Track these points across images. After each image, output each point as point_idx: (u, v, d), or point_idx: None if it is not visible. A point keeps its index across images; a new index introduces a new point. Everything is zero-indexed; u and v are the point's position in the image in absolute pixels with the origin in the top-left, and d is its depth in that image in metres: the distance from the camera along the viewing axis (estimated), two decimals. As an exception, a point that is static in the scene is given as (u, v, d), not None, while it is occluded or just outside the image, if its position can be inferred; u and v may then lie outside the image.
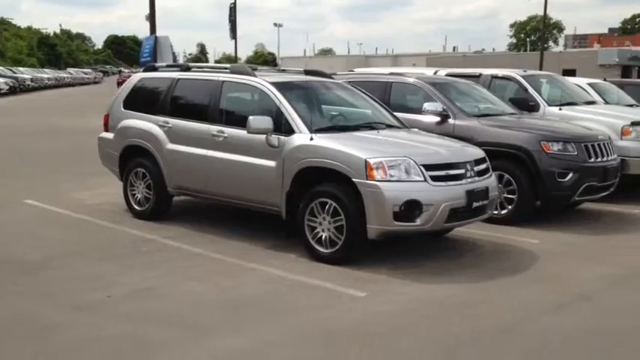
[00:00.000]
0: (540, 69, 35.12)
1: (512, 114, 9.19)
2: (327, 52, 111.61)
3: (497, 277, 5.95)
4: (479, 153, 6.72)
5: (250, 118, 6.59)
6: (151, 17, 20.37)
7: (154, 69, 8.48)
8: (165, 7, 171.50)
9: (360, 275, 5.90)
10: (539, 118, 9.51)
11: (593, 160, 8.03)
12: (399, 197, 5.84)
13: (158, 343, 4.41)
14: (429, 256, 6.56)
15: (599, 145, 8.22)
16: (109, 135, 8.49)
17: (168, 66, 8.47)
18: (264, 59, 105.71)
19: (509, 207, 7.93)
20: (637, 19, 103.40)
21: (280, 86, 6.99)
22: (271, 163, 6.61)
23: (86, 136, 13.18)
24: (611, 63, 48.54)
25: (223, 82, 7.36)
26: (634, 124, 9.66)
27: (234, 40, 48.50)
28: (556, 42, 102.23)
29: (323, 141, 6.37)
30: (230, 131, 7.05)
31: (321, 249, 6.28)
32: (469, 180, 6.27)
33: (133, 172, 8.07)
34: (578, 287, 5.73)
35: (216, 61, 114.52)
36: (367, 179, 5.91)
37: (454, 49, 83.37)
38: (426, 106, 8.56)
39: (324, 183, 6.29)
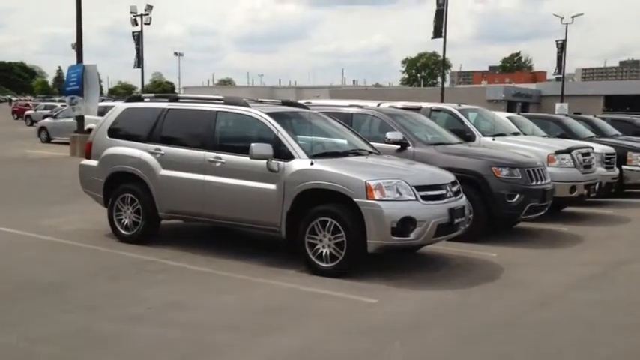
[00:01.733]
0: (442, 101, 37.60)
1: (459, 143, 10.31)
2: (226, 83, 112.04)
3: (479, 284, 6.86)
4: (451, 176, 7.69)
5: (253, 145, 7.22)
6: (78, 46, 20.31)
7: (140, 99, 8.91)
8: (56, 34, 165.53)
9: (362, 285, 6.63)
10: (483, 147, 10.70)
11: (534, 183, 9.24)
12: (396, 214, 6.67)
13: (218, 346, 4.94)
14: (412, 269, 7.37)
15: (537, 170, 9.46)
16: (93, 162, 8.80)
17: (156, 96, 8.91)
18: (162, 88, 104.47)
19: (466, 225, 8.96)
20: (515, 58, 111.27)
21: (275, 116, 7.68)
22: (271, 187, 7.26)
23: (15, 164, 13.17)
24: (498, 98, 52.43)
25: (217, 112, 7.94)
26: (558, 152, 11.05)
27: (138, 68, 47.99)
28: (443, 78, 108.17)
29: (323, 166, 7.11)
30: (227, 157, 7.63)
31: (321, 263, 6.97)
32: (450, 199, 7.21)
33: (120, 198, 8.43)
34: (548, 289, 6.74)
35: (111, 90, 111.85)
36: (367, 199, 6.71)
37: (354, 83, 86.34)
38: (389, 135, 9.50)
39: (323, 204, 7.02)
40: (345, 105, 10.61)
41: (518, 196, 8.97)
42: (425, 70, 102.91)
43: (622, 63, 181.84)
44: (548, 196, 9.51)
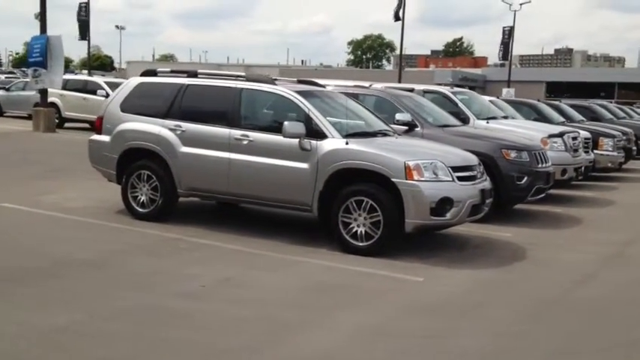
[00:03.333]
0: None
1: (461, 125, 10.50)
2: (168, 58, 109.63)
3: (511, 263, 7.04)
4: (476, 157, 7.84)
5: (286, 123, 7.17)
6: (42, 16, 19.48)
7: (154, 73, 8.67)
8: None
9: (399, 264, 6.71)
10: (485, 129, 10.91)
11: (540, 165, 9.53)
12: (435, 195, 6.77)
13: (295, 323, 4.92)
14: (437, 249, 7.45)
15: (541, 153, 9.75)
16: (104, 137, 8.55)
17: (172, 71, 8.68)
18: (101, 62, 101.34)
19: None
20: (457, 43, 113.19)
21: (304, 95, 7.64)
22: (304, 165, 7.23)
23: None
24: (446, 82, 53.37)
25: (242, 89, 7.83)
26: (551, 136, 11.40)
27: (80, 41, 46.32)
28: (389, 60, 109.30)
29: (358, 146, 7.13)
30: (255, 135, 7.55)
31: (356, 242, 7.00)
32: (479, 180, 7.37)
33: (136, 175, 8.23)
34: (579, 268, 6.97)
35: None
36: (406, 179, 6.78)
37: (303, 63, 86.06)
38: (398, 116, 9.58)
39: (356, 183, 7.05)
40: (350, 85, 10.63)
41: (526, 178, 9.22)
42: (370, 52, 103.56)
43: (557, 51, 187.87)
44: (551, 179, 9.83)
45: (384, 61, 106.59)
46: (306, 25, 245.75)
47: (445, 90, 12.18)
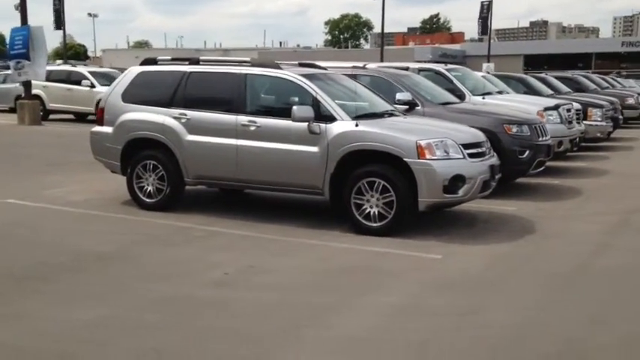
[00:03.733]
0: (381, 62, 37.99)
1: (459, 102, 10.55)
2: (143, 45, 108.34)
3: (522, 237, 7.11)
4: (483, 134, 7.90)
5: (295, 107, 7.16)
6: (22, 6, 19.13)
7: (154, 62, 8.59)
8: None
9: (414, 243, 6.76)
10: (484, 105, 10.97)
11: (540, 139, 9.63)
12: (447, 172, 6.82)
13: (325, 307, 4.94)
14: (446, 226, 7.50)
15: (541, 126, 9.84)
16: (107, 129, 8.48)
17: (173, 59, 8.60)
18: (75, 51, 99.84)
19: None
20: (434, 20, 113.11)
21: (310, 78, 7.63)
22: (313, 149, 7.24)
23: None
24: (425, 59, 53.40)
25: (247, 74, 7.79)
26: (546, 109, 11.50)
27: (56, 31, 45.58)
28: (367, 39, 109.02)
29: (368, 127, 7.15)
30: (263, 121, 7.53)
31: (369, 223, 7.05)
32: (488, 157, 7.43)
33: (141, 165, 8.18)
34: (591, 239, 7.08)
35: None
36: (418, 158, 6.82)
37: (281, 45, 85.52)
38: (398, 95, 9.59)
39: (369, 164, 7.08)
40: (348, 67, 10.61)
41: (528, 151, 9.31)
42: (348, 32, 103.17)
43: (532, 23, 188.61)
44: (551, 151, 9.94)
45: (362, 41, 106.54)
46: (282, 5, 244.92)
47: (439, 67, 12.19)
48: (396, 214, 6.93)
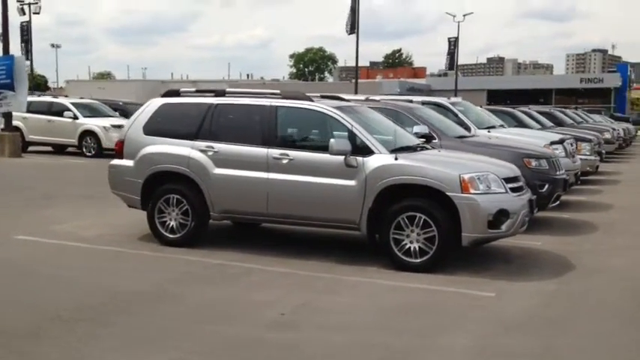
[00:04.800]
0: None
1: (471, 135, 10.55)
2: (105, 76, 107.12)
3: (564, 273, 7.00)
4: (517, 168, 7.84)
5: (333, 141, 7.01)
6: (4, 35, 18.65)
7: (177, 94, 8.35)
8: None
9: (460, 280, 6.59)
10: (498, 139, 10.97)
11: (557, 173, 9.65)
12: (491, 207, 6.71)
13: (398, 347, 4.76)
14: (485, 263, 7.31)
15: (557, 160, 9.88)
16: (127, 162, 8.17)
17: (197, 91, 8.39)
18: (35, 82, 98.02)
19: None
20: (396, 54, 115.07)
21: (344, 111, 7.50)
22: (351, 182, 7.06)
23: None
24: (393, 93, 54.13)
25: (277, 107, 7.62)
26: (552, 143, 11.59)
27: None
28: (331, 73, 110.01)
29: (408, 161, 7.02)
30: (296, 154, 7.35)
31: (409, 259, 6.87)
32: (525, 191, 7.37)
33: (164, 199, 7.89)
34: (634, 274, 7.05)
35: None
36: (462, 192, 6.71)
37: (248, 77, 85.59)
38: (416, 129, 9.50)
39: (409, 199, 6.94)
40: (362, 99, 10.53)
41: (547, 185, 9.30)
42: (312, 65, 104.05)
43: (489, 60, 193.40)
44: (567, 185, 9.97)
45: (327, 74, 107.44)
46: (245, 38, 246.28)
47: (444, 101, 12.22)
48: (438, 249, 6.78)
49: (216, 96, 8.07)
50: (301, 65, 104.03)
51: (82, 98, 22.10)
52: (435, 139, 9.62)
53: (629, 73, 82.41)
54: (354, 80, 73.73)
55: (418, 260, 6.85)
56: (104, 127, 19.69)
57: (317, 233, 8.55)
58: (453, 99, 12.84)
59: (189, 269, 6.87)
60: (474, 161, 7.47)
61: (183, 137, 7.89)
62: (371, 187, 6.99)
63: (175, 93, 8.37)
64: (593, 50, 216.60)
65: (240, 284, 6.38)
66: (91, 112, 20.77)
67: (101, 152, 19.56)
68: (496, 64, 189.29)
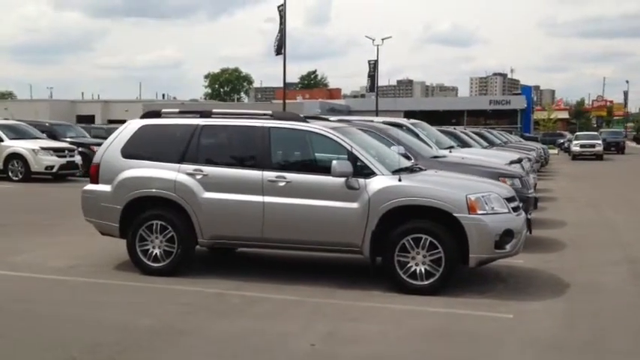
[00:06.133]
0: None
1: (443, 156, 10.60)
2: (6, 96, 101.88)
3: (565, 291, 7.05)
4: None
5: (335, 162, 6.80)
6: None
7: (157, 115, 7.89)
8: None
9: (468, 302, 6.50)
10: (467, 159, 11.05)
11: (529, 191, 9.83)
12: (498, 227, 6.68)
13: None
14: (483, 284, 7.20)
15: (527, 180, 10.08)
16: (103, 187, 7.65)
17: (181, 112, 7.95)
18: None
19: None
20: (312, 75, 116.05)
21: (341, 132, 7.31)
22: (353, 205, 6.87)
23: None
24: (315, 114, 54.49)
25: (270, 128, 7.34)
26: (511, 162, 11.84)
27: None
28: (247, 93, 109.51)
29: (412, 182, 6.92)
30: (293, 176, 7.08)
31: (415, 282, 6.72)
32: (521, 211, 7.41)
33: (146, 226, 7.42)
34: (627, 289, 7.19)
35: None
36: (469, 213, 6.65)
37: (164, 97, 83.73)
38: (393, 149, 9.45)
39: (413, 220, 6.81)
40: (334, 120, 10.36)
41: (521, 204, 9.44)
42: (228, 86, 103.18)
43: (399, 82, 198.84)
44: (536, 204, 10.17)
45: (243, 94, 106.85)
46: (155, 59, 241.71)
47: (405, 122, 12.27)
48: (445, 271, 6.68)
49: (201, 117, 7.70)
50: (217, 85, 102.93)
51: (6, 119, 20.80)
52: (411, 159, 9.59)
53: (532, 95, 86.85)
54: (273, 101, 73.80)
55: (424, 283, 6.73)
56: (33, 150, 18.59)
57: (295, 257, 8.30)
58: (412, 120, 12.91)
59: (189, 300, 6.44)
60: (475, 182, 7.45)
61: (168, 160, 7.47)
62: (374, 209, 6.82)
63: (156, 114, 7.93)
64: (494, 74, 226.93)
65: (250, 315, 6.03)
66: (17, 133, 19.58)
67: (29, 176, 18.48)
68: (405, 87, 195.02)
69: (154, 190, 7.42)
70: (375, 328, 5.70)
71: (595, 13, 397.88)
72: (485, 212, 6.70)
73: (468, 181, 7.45)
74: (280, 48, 34.35)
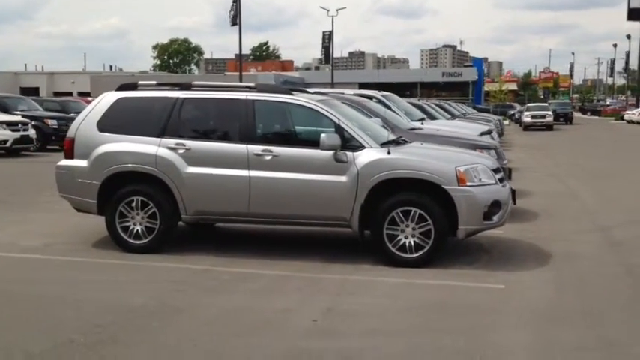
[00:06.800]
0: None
1: (419, 128, 10.60)
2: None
3: (548, 261, 7.11)
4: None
5: (323, 135, 6.70)
6: None
7: (134, 87, 7.60)
8: None
9: (458, 272, 6.55)
10: (441, 130, 11.07)
11: (504, 162, 9.93)
12: (487, 199, 6.71)
13: (458, 348, 4.60)
14: (468, 255, 7.23)
15: (502, 151, 10.17)
16: (79, 162, 7.37)
17: (158, 84, 7.67)
18: None
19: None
20: (263, 47, 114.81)
21: (328, 104, 7.20)
22: (342, 179, 6.79)
23: None
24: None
25: (254, 100, 7.17)
26: (482, 134, 11.94)
27: None
28: (197, 65, 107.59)
29: (401, 154, 6.87)
30: (279, 150, 6.96)
31: (404, 255, 6.72)
32: (505, 182, 7.46)
33: (125, 202, 7.20)
34: (607, 258, 7.33)
35: None
36: (459, 185, 6.65)
37: (111, 68, 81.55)
38: (373, 121, 9.39)
39: (403, 193, 6.78)
40: (310, 92, 10.21)
41: (498, 175, 9.55)
42: (177, 57, 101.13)
43: (351, 54, 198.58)
44: (511, 174, 10.28)
45: (193, 66, 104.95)
46: (98, 28, 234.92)
47: (377, 94, 12.20)
48: (434, 243, 6.69)
49: (181, 89, 7.46)
50: (165, 57, 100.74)
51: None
52: (388, 131, 9.54)
53: (483, 67, 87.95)
54: (226, 73, 72.71)
55: (414, 255, 6.73)
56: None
57: (278, 231, 8.23)
58: (383, 92, 12.85)
59: (177, 277, 6.30)
60: (462, 154, 7.46)
61: (147, 134, 7.24)
62: (363, 182, 6.76)
63: (132, 86, 7.65)
64: (444, 46, 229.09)
65: (242, 291, 5.93)
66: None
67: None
68: (357, 58, 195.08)
69: (134, 165, 7.19)
70: (373, 301, 5.67)
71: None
72: (473, 184, 6.72)
73: (454, 153, 7.46)
74: (235, 18, 33.72)
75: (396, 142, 7.41)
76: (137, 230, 7.20)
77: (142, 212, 7.18)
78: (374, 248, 6.91)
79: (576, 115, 63.13)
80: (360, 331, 4.93)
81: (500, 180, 7.18)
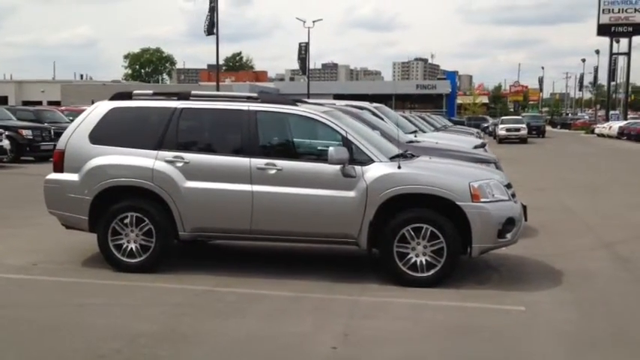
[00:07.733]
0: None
1: (417, 140, 10.34)
2: None
3: (561, 280, 6.87)
4: (503, 175, 7.67)
5: (331, 149, 6.38)
6: None
7: (129, 97, 7.20)
8: None
9: (473, 293, 6.25)
10: (440, 143, 10.83)
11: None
12: (501, 216, 6.44)
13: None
14: (478, 275, 6.98)
15: (500, 165, 9.95)
16: (69, 176, 6.94)
17: (154, 93, 7.27)
18: None
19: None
20: (237, 58, 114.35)
21: (334, 117, 6.89)
22: (349, 194, 6.47)
23: None
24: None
25: (257, 111, 6.82)
26: (476, 147, 11.73)
27: None
28: (170, 74, 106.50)
29: (412, 169, 6.58)
30: (284, 164, 6.61)
31: (415, 274, 6.41)
32: (516, 198, 7.21)
33: (119, 219, 6.78)
34: (620, 275, 7.11)
35: None
36: (472, 201, 6.38)
37: (82, 77, 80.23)
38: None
39: (413, 209, 6.48)
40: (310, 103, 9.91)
41: (499, 190, 9.33)
42: (149, 67, 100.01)
43: (324, 65, 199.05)
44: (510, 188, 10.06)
45: (165, 76, 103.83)
46: (67, 37, 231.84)
47: (369, 106, 11.93)
48: (447, 262, 6.40)
49: (179, 99, 7.08)
50: (137, 66, 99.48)
51: None
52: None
53: (456, 80, 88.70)
54: (200, 83, 72.06)
55: (425, 274, 6.42)
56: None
57: (273, 248, 7.87)
58: (375, 104, 12.60)
59: (179, 300, 5.91)
60: (472, 168, 7.20)
61: (143, 146, 6.85)
62: (372, 197, 6.44)
63: (127, 95, 7.25)
64: (416, 59, 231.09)
65: (252, 315, 5.56)
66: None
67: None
68: (331, 70, 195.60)
69: (128, 179, 6.79)
70: (390, 326, 5.34)
71: (508, 0, 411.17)
72: (487, 200, 6.45)
73: (465, 167, 7.20)
74: (212, 27, 33.32)
75: (404, 156, 7.12)
76: (131, 248, 6.79)
77: (137, 229, 6.77)
78: (381, 267, 6.60)
79: (547, 128, 63.87)
80: (378, 357, 4.60)
81: (513, 195, 6.93)
